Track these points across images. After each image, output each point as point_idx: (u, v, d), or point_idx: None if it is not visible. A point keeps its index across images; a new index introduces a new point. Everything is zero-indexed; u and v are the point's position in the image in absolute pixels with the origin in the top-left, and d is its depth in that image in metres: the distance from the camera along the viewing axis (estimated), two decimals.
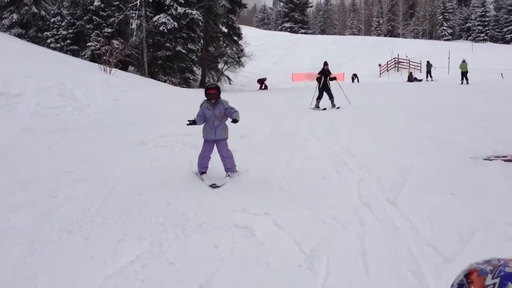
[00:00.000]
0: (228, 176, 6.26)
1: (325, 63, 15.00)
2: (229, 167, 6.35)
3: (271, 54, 55.17)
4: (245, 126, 9.99)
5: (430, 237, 3.88)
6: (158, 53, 27.43)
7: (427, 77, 29.94)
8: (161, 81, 26.27)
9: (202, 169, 6.36)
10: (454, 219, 4.30)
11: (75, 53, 27.43)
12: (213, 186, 5.88)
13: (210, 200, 5.29)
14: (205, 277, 3.36)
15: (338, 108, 14.15)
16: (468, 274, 1.11)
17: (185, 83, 28.46)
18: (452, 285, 1.12)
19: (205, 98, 6.34)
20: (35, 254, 3.77)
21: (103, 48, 24.58)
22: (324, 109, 14.13)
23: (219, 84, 6.47)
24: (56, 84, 13.48)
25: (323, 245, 3.85)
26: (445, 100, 14.63)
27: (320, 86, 14.67)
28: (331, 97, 14.58)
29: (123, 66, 25.73)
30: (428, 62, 31.47)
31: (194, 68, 30.71)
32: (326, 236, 4.05)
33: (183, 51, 27.75)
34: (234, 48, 33.38)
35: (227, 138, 6.44)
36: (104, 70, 20.38)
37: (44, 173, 6.38)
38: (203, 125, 6.37)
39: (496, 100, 13.64)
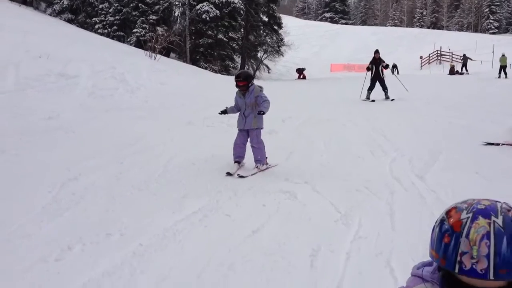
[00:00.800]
0: (257, 167, 6.09)
1: (376, 51, 14.27)
2: (258, 159, 6.16)
3: (310, 44, 55.32)
4: (286, 111, 10.69)
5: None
6: (200, 40, 28.37)
7: (461, 70, 30.06)
8: (202, 68, 27.18)
9: (236, 158, 6.23)
10: (476, 193, 4.80)
11: (121, 39, 28.71)
12: (228, 173, 5.83)
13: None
14: (256, 226, 4.07)
15: (392, 100, 13.47)
16: (448, 211, 1.26)
17: (225, 70, 29.32)
18: (436, 221, 1.27)
19: None
20: (115, 204, 4.60)
21: (148, 34, 25.73)
22: (373, 100, 13.53)
23: (250, 70, 6.04)
24: (109, 68, 14.53)
25: (356, 207, 4.50)
26: (484, 92, 14.83)
27: (372, 76, 13.97)
28: (384, 88, 13.84)
29: (165, 52, 26.79)
30: (464, 55, 31.54)
31: (234, 56, 31.52)
32: (359, 201, 4.69)
33: (224, 39, 28.60)
34: (274, 37, 33.98)
35: (259, 128, 6.24)
36: (150, 56, 21.44)
37: (108, 145, 7.26)
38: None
39: None
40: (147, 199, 4.78)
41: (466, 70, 29.84)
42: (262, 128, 6.32)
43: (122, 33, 29.31)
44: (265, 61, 34.60)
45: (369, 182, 5.29)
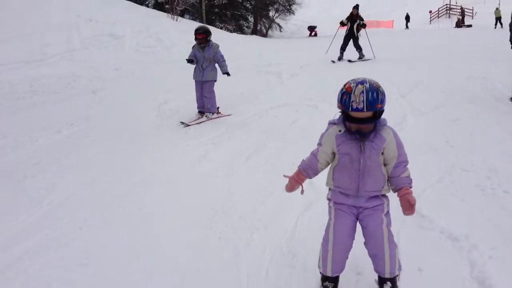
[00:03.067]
0: (206, 116, 7.08)
1: (355, 7, 13.44)
2: (209, 108, 7.11)
3: (320, 1, 56.95)
4: (303, 59, 13.35)
5: (419, 107, 7.16)
6: (215, 1, 30.61)
7: (462, 22, 33.19)
8: (218, 28, 29.53)
9: (199, 108, 7.26)
10: (438, 103, 7.52)
11: (138, 2, 30.98)
12: (181, 123, 6.83)
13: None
14: (295, 119, 6.84)
15: (367, 60, 13.28)
16: (345, 85, 2.41)
17: (239, 30, 31.67)
18: (339, 91, 2.42)
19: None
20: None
21: None
22: (350, 61, 13.17)
23: (209, 28, 7.67)
24: (145, 29, 17.11)
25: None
26: (475, 41, 17.25)
27: (346, 33, 13.43)
28: (358, 48, 13.36)
29: (181, 14, 29.11)
30: (461, 7, 34.96)
31: (248, 16, 33.78)
32: None
33: None
34: None
35: (213, 80, 7.15)
36: (172, 17, 23.89)
37: (171, 86, 9.97)
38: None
39: None
40: (222, 106, 7.58)
41: (463, 23, 32.64)
42: (215, 80, 7.24)
43: None
44: (277, 20, 36.78)
45: None
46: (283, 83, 10.12)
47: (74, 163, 5.16)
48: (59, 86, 9.63)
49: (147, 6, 30.33)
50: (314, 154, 2.73)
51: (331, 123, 2.65)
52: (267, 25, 35.64)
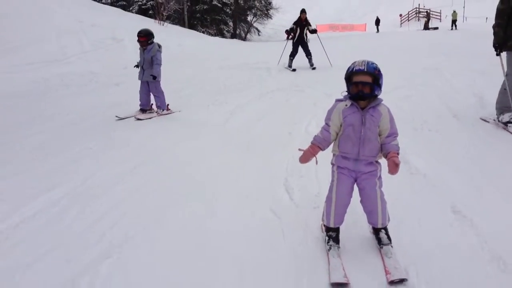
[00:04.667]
0: (157, 112, 7.91)
1: (302, 11, 13.44)
2: (158, 105, 7.92)
3: (295, 7, 59.58)
4: (285, 58, 15.62)
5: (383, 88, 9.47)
6: (197, 7, 32.82)
7: (429, 25, 36.15)
8: (200, 32, 31.73)
9: (140, 106, 7.94)
10: (397, 86, 9.84)
11: (123, 8, 32.97)
12: (116, 117, 7.64)
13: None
14: (287, 99, 9.08)
15: (314, 68, 13.17)
16: (352, 63, 3.12)
17: (220, 34, 33.94)
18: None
19: None
20: (227, 87, 9.56)
21: (149, 3, 29.97)
22: (294, 70, 13.15)
23: (151, 30, 8.14)
24: None
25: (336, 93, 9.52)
26: (435, 40, 19.90)
27: (295, 40, 13.41)
28: (308, 54, 13.34)
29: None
30: (427, 11, 37.97)
31: (228, 21, 36.09)
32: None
33: (219, 4, 33.08)
34: (262, 1, 38.47)
35: (156, 80, 7.74)
36: (159, 23, 25.99)
37: (178, 79, 12.10)
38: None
39: (467, 38, 18.93)
40: (227, 92, 9.77)
41: (430, 25, 35.73)
42: (159, 80, 7.88)
43: (124, 3, 33.56)
44: (255, 24, 39.18)
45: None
46: (272, 76, 12.37)
47: (137, 125, 7.30)
48: (84, 80, 11.67)
49: (130, 11, 32.31)
50: (325, 129, 3.26)
51: (338, 100, 3.22)
52: (245, 29, 37.97)
